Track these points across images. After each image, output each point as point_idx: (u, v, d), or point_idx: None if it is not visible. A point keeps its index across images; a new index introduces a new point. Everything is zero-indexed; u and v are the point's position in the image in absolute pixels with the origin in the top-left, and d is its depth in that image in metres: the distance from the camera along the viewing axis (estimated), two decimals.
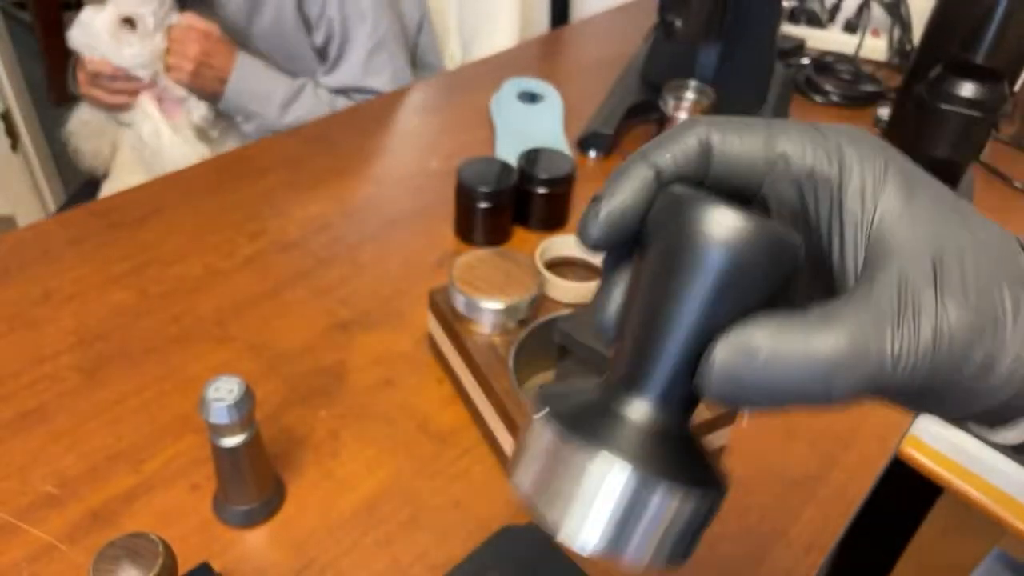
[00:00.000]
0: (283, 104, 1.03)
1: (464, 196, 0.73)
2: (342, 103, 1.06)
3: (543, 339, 0.56)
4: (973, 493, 0.60)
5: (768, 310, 0.21)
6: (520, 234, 0.77)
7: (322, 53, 1.07)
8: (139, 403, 0.57)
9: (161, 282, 0.68)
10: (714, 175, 0.23)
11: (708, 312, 0.21)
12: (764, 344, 0.20)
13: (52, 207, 1.67)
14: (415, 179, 0.84)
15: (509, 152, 0.83)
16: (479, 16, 1.22)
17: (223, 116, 1.06)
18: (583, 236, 0.23)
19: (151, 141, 1.00)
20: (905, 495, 0.72)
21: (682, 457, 0.22)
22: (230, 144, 1.09)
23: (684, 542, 0.22)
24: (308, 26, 1.04)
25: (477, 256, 0.58)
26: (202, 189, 0.80)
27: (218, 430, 0.43)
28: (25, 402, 0.56)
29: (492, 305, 0.54)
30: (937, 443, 0.62)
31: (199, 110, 1.03)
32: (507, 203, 0.74)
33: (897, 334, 0.20)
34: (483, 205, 0.72)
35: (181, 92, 1.01)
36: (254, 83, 1.02)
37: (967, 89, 0.72)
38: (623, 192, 0.23)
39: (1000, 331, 0.21)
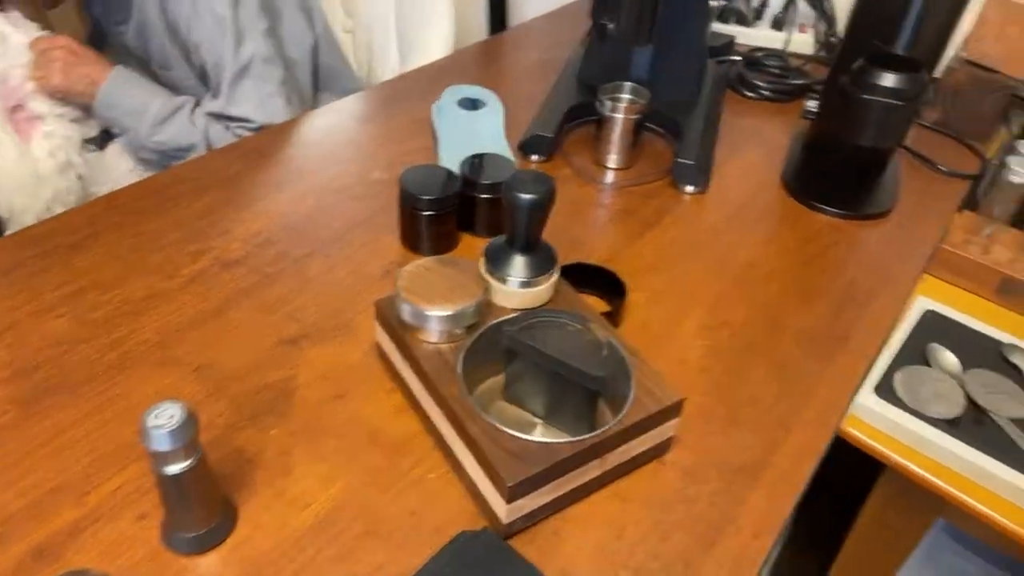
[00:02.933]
0: (155, 122, 1.01)
1: (408, 205, 0.73)
2: (218, 132, 1.03)
3: (491, 344, 0.57)
4: (912, 467, 0.63)
5: None
6: (467, 240, 0.78)
7: (204, 80, 1.05)
8: (81, 433, 0.56)
9: (99, 307, 0.66)
10: None
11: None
12: None
13: None
14: (358, 190, 0.84)
15: (452, 159, 0.83)
16: (416, 25, 1.22)
17: (87, 155, 1.05)
18: None
19: None
20: (851, 474, 0.75)
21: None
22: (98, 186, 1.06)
23: None
24: (187, 54, 1.03)
25: (422, 265, 0.58)
26: (139, 211, 0.78)
27: (160, 458, 0.42)
28: None
29: (438, 313, 0.54)
30: (875, 420, 0.64)
31: (57, 136, 1.01)
32: (451, 210, 0.74)
33: None
34: (427, 213, 0.72)
35: (42, 109, 1.00)
36: (126, 97, 1.01)
37: (888, 79, 0.75)
38: None
39: None
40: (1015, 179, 0.75)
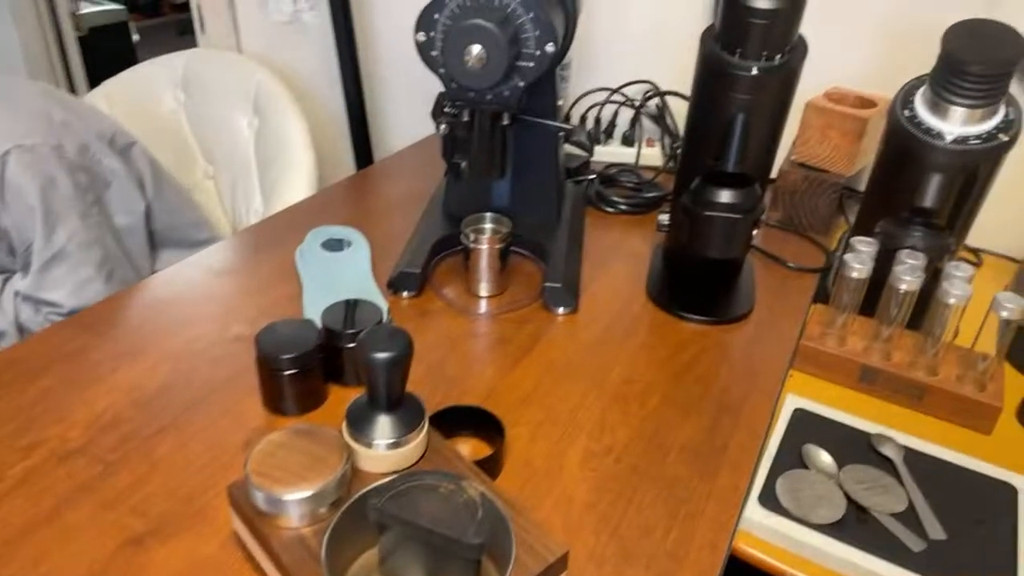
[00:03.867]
0: None
1: (266, 366, 0.69)
2: (28, 315, 0.97)
3: (360, 516, 0.52)
4: None
5: None
6: (336, 392, 0.74)
7: (18, 263, 1.00)
8: None
9: None
10: None
11: None
12: None
13: None
14: (217, 350, 0.79)
15: (318, 305, 0.80)
16: (278, 166, 1.22)
17: None
18: None
19: None
20: None
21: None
22: None
23: None
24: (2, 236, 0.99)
25: (275, 441, 0.54)
26: None
27: None
28: None
29: (295, 496, 0.50)
30: (764, 534, 0.63)
31: None
32: (314, 365, 0.70)
33: None
34: (288, 372, 0.69)
35: None
36: None
37: (724, 196, 0.79)
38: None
39: None
40: (854, 275, 0.80)
